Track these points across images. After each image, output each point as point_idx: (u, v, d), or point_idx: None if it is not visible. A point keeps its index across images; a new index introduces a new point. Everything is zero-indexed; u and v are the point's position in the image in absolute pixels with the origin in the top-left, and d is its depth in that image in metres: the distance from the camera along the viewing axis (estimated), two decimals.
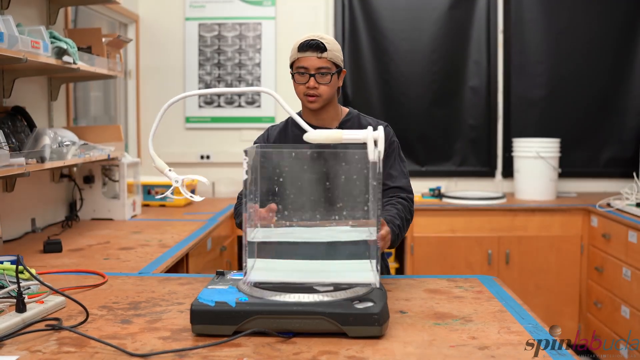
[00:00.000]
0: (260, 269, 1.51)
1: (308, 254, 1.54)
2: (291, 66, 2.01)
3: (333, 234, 1.57)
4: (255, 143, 2.12)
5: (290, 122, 2.13)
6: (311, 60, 1.94)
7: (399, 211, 1.93)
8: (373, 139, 1.45)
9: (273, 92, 1.64)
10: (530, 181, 3.99)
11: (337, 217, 1.52)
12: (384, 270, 2.09)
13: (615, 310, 3.42)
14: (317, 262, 1.55)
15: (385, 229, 1.71)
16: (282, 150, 1.58)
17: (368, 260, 1.50)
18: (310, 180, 1.55)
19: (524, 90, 4.31)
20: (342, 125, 2.06)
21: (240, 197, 2.08)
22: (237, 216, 2.05)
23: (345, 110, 2.12)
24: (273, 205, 1.59)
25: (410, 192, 2.05)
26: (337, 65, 1.98)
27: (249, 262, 1.49)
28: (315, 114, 2.03)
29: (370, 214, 1.49)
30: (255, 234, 1.53)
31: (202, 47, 4.28)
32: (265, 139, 2.13)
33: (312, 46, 1.94)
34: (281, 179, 1.54)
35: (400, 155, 2.12)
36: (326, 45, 1.95)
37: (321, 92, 1.96)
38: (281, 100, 1.62)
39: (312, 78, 1.95)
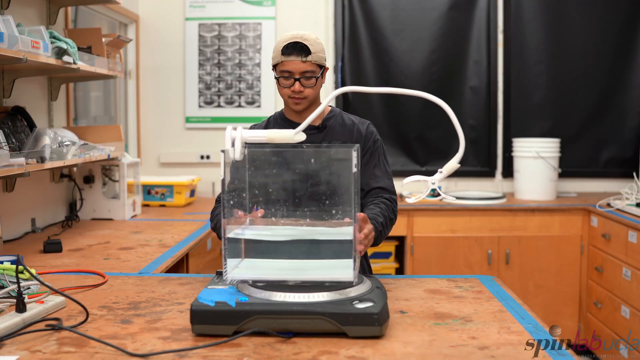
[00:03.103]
0: (241, 268, 1.52)
1: (289, 253, 1.55)
2: (274, 67, 1.99)
3: (313, 233, 1.57)
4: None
5: (272, 120, 2.13)
6: (295, 64, 1.92)
7: (382, 210, 1.93)
8: (231, 139, 1.46)
9: (442, 102, 1.60)
10: (530, 181, 3.99)
11: (316, 217, 1.53)
12: (366, 269, 2.09)
13: (615, 310, 3.42)
14: (298, 261, 1.55)
15: (368, 227, 1.70)
16: (264, 150, 1.57)
17: (349, 259, 1.49)
18: (289, 179, 1.57)
19: (524, 90, 4.31)
20: (324, 122, 2.06)
21: (218, 200, 2.07)
22: (212, 219, 2.03)
23: (328, 108, 2.12)
24: (260, 212, 1.61)
25: (394, 192, 2.05)
26: (320, 66, 1.98)
27: (230, 262, 1.50)
28: (299, 113, 2.03)
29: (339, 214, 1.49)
30: (238, 233, 1.54)
31: (202, 47, 4.27)
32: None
33: (297, 49, 1.91)
34: (261, 178, 1.54)
35: (385, 154, 2.10)
36: (310, 47, 1.92)
37: (306, 94, 1.96)
38: (449, 112, 1.58)
39: (297, 82, 1.94)
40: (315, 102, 2.04)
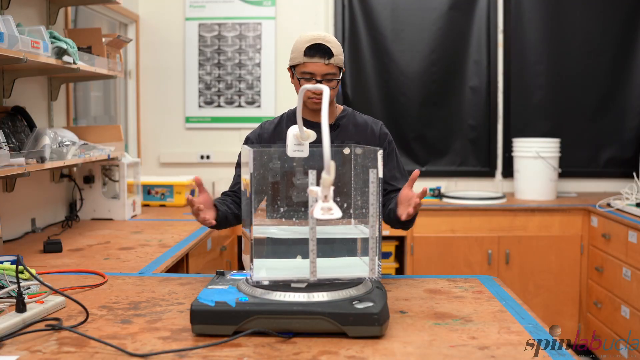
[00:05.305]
0: (262, 268, 1.52)
1: (303, 252, 1.55)
2: (294, 67, 1.99)
3: (330, 232, 1.58)
4: (247, 138, 2.12)
5: (285, 117, 2.13)
6: (318, 66, 1.92)
7: None
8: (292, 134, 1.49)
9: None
10: (530, 181, 3.99)
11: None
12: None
13: (615, 310, 3.42)
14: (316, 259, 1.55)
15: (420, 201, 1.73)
16: (279, 149, 1.57)
17: (366, 257, 1.51)
18: (300, 179, 1.56)
19: (524, 90, 4.31)
20: (337, 122, 2.06)
21: (225, 194, 2.09)
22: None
23: (340, 107, 2.12)
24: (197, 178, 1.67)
25: None
26: (340, 68, 1.98)
27: (256, 262, 1.49)
28: (315, 112, 2.03)
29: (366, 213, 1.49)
30: (255, 233, 1.53)
31: (202, 47, 4.27)
32: (257, 135, 2.11)
33: (320, 51, 1.91)
34: (278, 177, 1.54)
35: (398, 154, 2.13)
36: (332, 50, 1.92)
37: None
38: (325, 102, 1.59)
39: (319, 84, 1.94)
40: (332, 103, 2.05)
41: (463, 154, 4.35)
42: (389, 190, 2.02)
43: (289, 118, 2.11)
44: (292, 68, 2.01)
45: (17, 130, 2.59)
